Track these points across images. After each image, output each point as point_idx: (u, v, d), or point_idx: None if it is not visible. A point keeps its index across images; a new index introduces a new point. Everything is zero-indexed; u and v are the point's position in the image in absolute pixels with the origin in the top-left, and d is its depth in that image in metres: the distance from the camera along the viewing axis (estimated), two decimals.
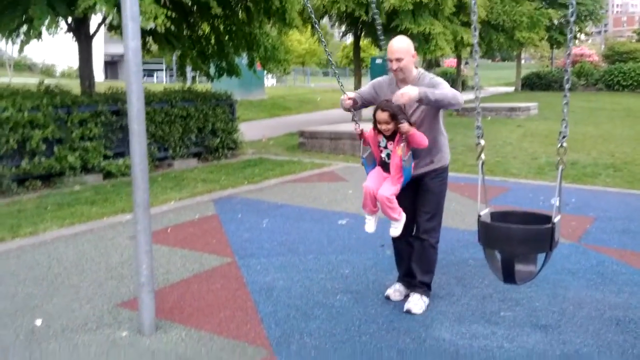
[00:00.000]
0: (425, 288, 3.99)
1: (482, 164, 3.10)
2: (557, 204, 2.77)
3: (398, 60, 3.71)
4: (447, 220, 5.86)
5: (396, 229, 3.83)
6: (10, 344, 3.46)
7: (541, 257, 2.87)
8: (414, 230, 3.98)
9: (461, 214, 6.39)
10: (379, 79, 4.05)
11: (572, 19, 2.87)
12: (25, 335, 3.58)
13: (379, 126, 3.76)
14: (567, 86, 2.90)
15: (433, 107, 3.75)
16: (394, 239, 4.06)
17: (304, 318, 3.81)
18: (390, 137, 3.77)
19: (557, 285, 4.35)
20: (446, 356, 3.31)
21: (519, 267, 2.78)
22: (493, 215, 2.97)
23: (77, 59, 9.72)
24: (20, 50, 7.88)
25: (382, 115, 3.70)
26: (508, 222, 2.86)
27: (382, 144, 3.84)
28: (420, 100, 3.59)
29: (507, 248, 2.75)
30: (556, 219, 2.70)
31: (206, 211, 6.71)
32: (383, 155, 3.86)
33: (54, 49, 9.52)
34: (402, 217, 3.82)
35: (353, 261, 4.93)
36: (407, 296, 4.04)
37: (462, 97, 3.70)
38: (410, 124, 3.69)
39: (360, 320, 3.77)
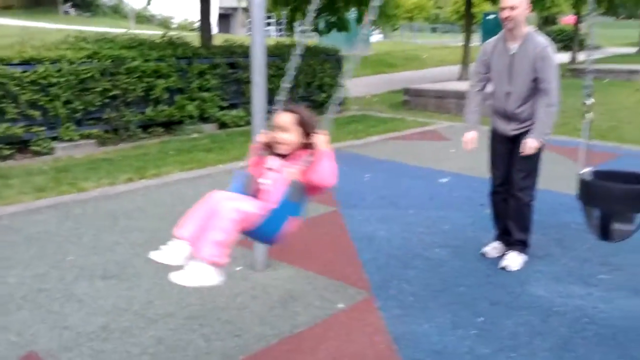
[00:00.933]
0: (522, 245, 4.09)
1: (589, 123, 3.12)
2: None
3: (512, 8, 3.68)
4: (551, 183, 5.84)
5: (185, 277, 2.46)
6: (143, 271, 3.94)
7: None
8: (510, 188, 4.02)
9: (567, 178, 6.24)
10: (482, 48, 4.08)
11: None
12: (154, 264, 4.02)
13: (277, 135, 2.63)
14: None
15: (534, 81, 3.79)
16: (491, 199, 4.16)
17: (403, 267, 4.04)
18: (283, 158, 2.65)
19: None
20: (540, 311, 3.42)
21: (616, 226, 2.84)
22: (597, 174, 3.01)
23: (196, 12, 10.21)
24: (148, 3, 8.43)
25: (286, 119, 2.62)
26: (613, 181, 2.90)
27: (273, 164, 2.66)
28: (543, 144, 3.79)
29: (604, 205, 2.82)
30: None
31: None
32: (264, 179, 2.66)
33: (171, 2, 10.12)
34: (220, 276, 2.48)
35: (452, 218, 5.07)
36: (504, 254, 4.15)
37: (558, 100, 3.78)
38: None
39: (458, 273, 3.94)
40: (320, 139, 2.58)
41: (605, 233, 2.85)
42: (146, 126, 8.41)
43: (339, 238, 4.56)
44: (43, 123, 7.31)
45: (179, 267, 2.49)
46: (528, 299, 3.59)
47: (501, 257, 4.13)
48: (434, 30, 54.06)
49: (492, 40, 4.02)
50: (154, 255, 2.53)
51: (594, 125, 3.42)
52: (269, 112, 3.17)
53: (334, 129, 8.97)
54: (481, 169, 6.68)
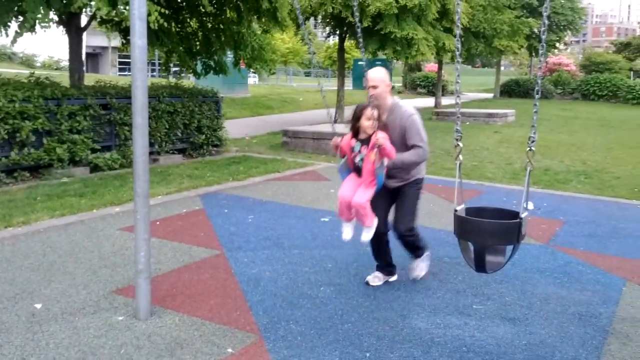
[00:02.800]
0: (421, 252, 4.59)
1: (460, 164, 3.38)
2: (525, 202, 3.06)
3: (373, 87, 4.18)
4: (424, 220, 6.16)
5: (368, 234, 4.11)
6: (13, 325, 3.65)
7: (509, 249, 3.16)
8: (395, 233, 4.38)
9: (438, 215, 6.70)
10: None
11: (543, 37, 3.15)
12: (26, 318, 3.77)
13: (364, 123, 3.96)
14: (537, 96, 3.21)
15: (405, 145, 4.21)
16: (372, 240, 4.34)
17: (290, 307, 4.06)
18: (364, 142, 4.00)
19: (526, 282, 4.66)
20: (422, 343, 3.58)
21: (490, 258, 3.07)
22: (468, 210, 3.26)
23: (62, 50, 9.81)
24: (14, 42, 8.00)
25: (371, 112, 3.95)
26: (481, 217, 3.14)
27: (357, 147, 4.03)
28: (394, 166, 4.15)
29: (479, 240, 3.05)
30: (523, 215, 2.99)
31: (193, 206, 6.93)
32: (357, 160, 4.05)
33: (34, 39, 9.65)
34: (374, 223, 4.08)
35: (335, 256, 5.19)
36: (386, 282, 4.53)
37: (426, 154, 4.22)
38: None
39: (343, 310, 4.03)
40: (381, 136, 3.91)
41: (480, 265, 3.07)
42: (11, 171, 7.87)
43: (225, 281, 4.51)
44: None
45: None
46: (410, 331, 3.74)
47: (383, 285, 4.51)
48: (307, 74, 55.70)
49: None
50: (344, 235, 4.20)
51: (462, 166, 3.68)
52: (150, 154, 3.20)
53: (214, 171, 8.95)
54: None
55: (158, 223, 6.05)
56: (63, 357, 3.28)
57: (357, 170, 4.08)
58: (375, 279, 4.53)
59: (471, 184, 8.62)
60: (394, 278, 4.61)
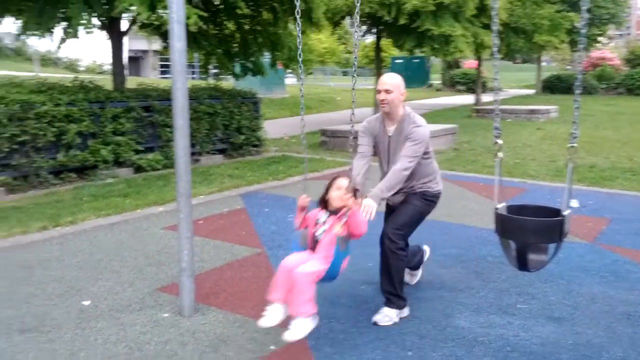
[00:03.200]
0: (393, 301, 3.88)
1: (500, 161, 3.33)
2: (567, 199, 3.00)
3: (387, 91, 3.80)
4: (466, 219, 6.10)
5: (297, 332, 3.11)
6: (63, 321, 3.76)
7: (552, 247, 3.10)
8: (380, 239, 3.95)
9: (479, 213, 6.61)
10: (367, 123, 4.09)
11: (583, 31, 3.09)
12: (75, 314, 3.88)
13: (334, 193, 3.43)
14: (577, 92, 3.15)
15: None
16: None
17: (331, 305, 4.07)
18: (333, 213, 3.42)
19: (572, 281, 4.57)
20: (465, 342, 3.55)
21: (532, 256, 3.02)
22: (509, 208, 3.21)
23: (105, 54, 10.05)
24: (59, 47, 8.23)
25: (344, 182, 3.46)
26: (522, 215, 3.10)
27: (322, 218, 3.43)
28: (383, 199, 3.77)
29: (520, 238, 3.00)
30: (566, 212, 2.94)
31: (234, 205, 7.01)
32: (318, 232, 3.37)
33: (78, 44, 9.91)
34: (313, 320, 3.18)
35: (375, 255, 5.10)
36: (428, 282, 4.46)
37: (408, 171, 3.75)
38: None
39: None
40: (357, 201, 3.44)
41: (522, 264, 3.03)
42: (58, 172, 8.09)
43: (267, 279, 4.53)
44: None
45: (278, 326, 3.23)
46: (453, 331, 3.71)
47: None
48: (344, 73, 55.64)
49: (372, 119, 4.06)
50: (262, 322, 3.19)
51: (502, 163, 3.64)
52: (191, 155, 3.28)
53: (254, 171, 9.03)
54: None
55: (201, 222, 6.14)
56: (111, 352, 3.37)
57: (313, 244, 3.38)
58: (411, 277, 4.48)
59: (514, 181, 8.48)
60: (419, 273, 4.53)
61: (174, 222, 5.49)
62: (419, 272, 4.54)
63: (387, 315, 3.83)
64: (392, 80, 3.85)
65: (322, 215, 3.45)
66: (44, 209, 6.56)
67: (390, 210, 4.09)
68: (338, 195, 3.43)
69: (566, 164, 3.18)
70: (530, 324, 3.81)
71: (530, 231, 3.02)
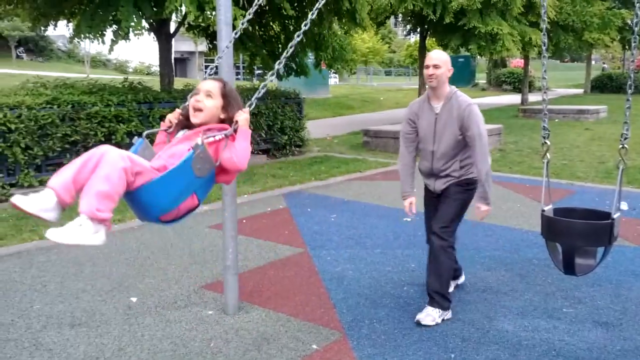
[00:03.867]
0: (438, 300, 3.85)
1: (547, 163, 3.28)
2: (617, 202, 2.93)
3: (435, 67, 3.78)
4: (511, 221, 6.00)
5: (70, 235, 2.09)
6: (112, 317, 3.88)
7: (601, 251, 3.03)
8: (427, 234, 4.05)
9: (526, 215, 6.50)
10: (409, 107, 4.11)
11: (636, 29, 3.00)
12: (123, 310, 4.00)
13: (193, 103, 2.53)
14: (630, 91, 3.07)
15: (460, 139, 3.85)
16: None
17: (374, 306, 4.08)
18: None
19: (620, 286, 4.45)
20: (509, 346, 3.50)
21: (579, 260, 2.96)
22: (556, 210, 3.15)
23: (152, 56, 10.29)
24: (111, 49, 8.47)
25: (208, 84, 2.57)
26: (570, 217, 3.03)
27: (180, 135, 2.58)
28: (489, 204, 3.84)
29: (567, 241, 2.94)
30: (616, 215, 2.87)
31: (277, 204, 7.08)
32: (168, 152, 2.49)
33: (127, 46, 10.15)
34: (103, 228, 2.13)
35: (419, 256, 5.15)
36: (468, 284, 4.38)
37: (487, 147, 3.84)
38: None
39: None
40: (242, 116, 2.48)
41: (569, 267, 2.97)
42: None
43: (309, 279, 4.59)
44: (1, 169, 7.18)
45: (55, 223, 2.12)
46: (496, 334, 3.67)
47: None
48: (388, 73, 55.40)
49: (417, 100, 4.08)
50: (15, 199, 2.03)
51: (550, 164, 3.58)
52: None
53: (297, 171, 9.09)
54: None
55: (244, 221, 6.23)
56: (157, 348, 3.45)
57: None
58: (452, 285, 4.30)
59: (561, 183, 8.30)
60: (461, 280, 4.45)
61: (218, 220, 5.58)
62: (460, 280, 4.47)
63: (430, 315, 3.80)
64: (440, 56, 3.85)
65: (183, 132, 2.58)
66: None
67: (431, 196, 4.07)
68: (202, 103, 2.52)
69: (616, 165, 3.10)
70: (576, 328, 3.74)
71: (578, 234, 2.96)
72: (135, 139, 2.48)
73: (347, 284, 4.49)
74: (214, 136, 2.42)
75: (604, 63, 42.00)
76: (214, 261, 4.95)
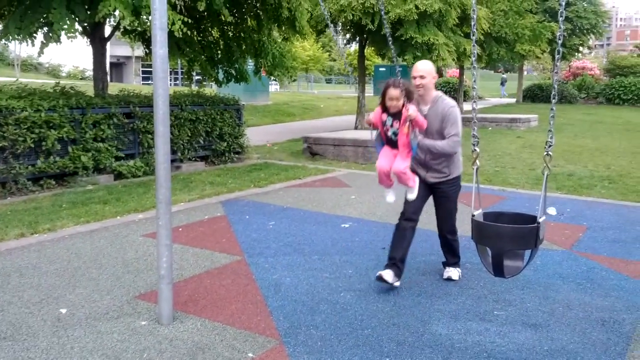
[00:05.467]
0: (457, 264, 4.88)
1: (477, 169, 3.39)
2: (542, 206, 3.05)
3: (422, 77, 4.40)
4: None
5: (412, 194, 4.39)
6: (39, 329, 3.73)
7: (528, 253, 3.14)
8: (438, 230, 4.84)
9: (458, 221, 6.64)
10: None
11: (559, 41, 3.15)
12: (52, 322, 3.85)
13: (388, 102, 4.13)
14: (553, 101, 3.21)
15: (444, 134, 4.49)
16: (400, 225, 4.60)
17: (310, 312, 4.08)
18: (395, 116, 4.15)
19: (548, 288, 4.62)
20: (442, 349, 3.57)
21: (507, 262, 3.06)
22: (486, 215, 3.25)
23: (87, 60, 10.02)
24: (40, 52, 8.18)
25: (394, 92, 4.09)
26: (499, 222, 3.14)
27: (388, 122, 4.20)
28: (421, 143, 4.41)
29: (496, 244, 3.04)
30: (541, 219, 2.98)
31: (215, 212, 7.00)
32: (389, 133, 4.22)
33: (59, 49, 9.84)
34: (416, 182, 4.36)
35: (356, 262, 5.20)
36: (403, 287, 4.57)
37: (458, 146, 4.55)
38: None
39: (363, 316, 4.04)
40: (412, 109, 4.05)
41: (498, 270, 3.06)
42: (37, 179, 8.02)
43: (246, 287, 4.55)
44: None
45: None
46: (430, 337, 3.73)
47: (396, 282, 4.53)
48: (328, 81, 55.79)
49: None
50: (388, 196, 4.44)
51: (482, 171, 3.69)
52: (172, 162, 3.19)
53: (236, 178, 9.02)
54: (381, 214, 6.95)
55: (180, 229, 6.13)
56: None
57: (390, 143, 4.27)
58: (389, 275, 4.43)
59: (494, 189, 8.55)
60: (397, 284, 4.53)
61: (153, 229, 5.48)
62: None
63: (456, 270, 4.82)
64: (425, 67, 4.45)
65: (387, 118, 4.20)
66: (22, 216, 6.49)
67: (421, 182, 4.57)
68: (393, 104, 4.12)
69: (542, 172, 3.22)
70: (507, 330, 3.85)
71: (505, 238, 3.06)
72: (376, 142, 4.39)
73: (284, 291, 4.47)
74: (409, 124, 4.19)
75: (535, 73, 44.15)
76: (148, 270, 4.84)
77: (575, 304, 4.32)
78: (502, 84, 45.82)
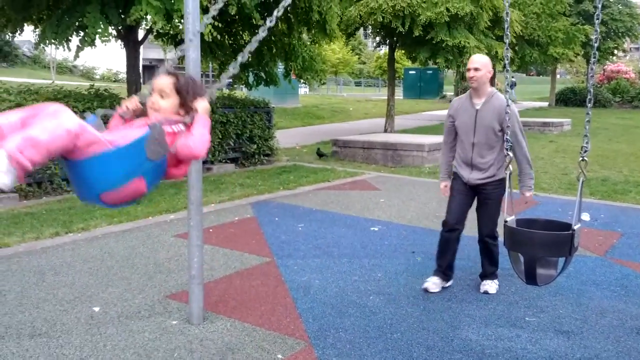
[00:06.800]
0: (494, 275, 4.63)
1: (510, 174, 3.35)
2: (578, 213, 3.00)
3: (476, 69, 4.26)
4: (472, 231, 6.06)
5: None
6: (73, 327, 3.80)
7: (561, 261, 3.09)
8: (478, 234, 4.59)
9: None
10: (451, 103, 4.65)
11: (595, 45, 3.10)
12: (85, 320, 3.92)
13: (149, 99, 2.41)
14: (589, 105, 3.15)
15: (498, 133, 4.28)
16: (444, 237, 4.54)
17: (339, 315, 4.08)
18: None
19: (582, 295, 4.54)
20: (472, 355, 3.54)
21: (540, 270, 3.02)
22: (519, 221, 3.21)
23: (120, 63, 10.19)
24: (76, 56, 8.35)
25: (161, 82, 2.41)
26: (532, 228, 3.09)
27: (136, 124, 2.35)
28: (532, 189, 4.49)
29: (529, 251, 3.00)
30: (576, 227, 2.93)
31: (245, 214, 7.05)
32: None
33: (94, 52, 10.01)
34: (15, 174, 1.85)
35: (385, 265, 5.18)
36: (444, 288, 4.56)
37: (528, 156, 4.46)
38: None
39: (392, 320, 4.02)
40: (202, 104, 2.39)
41: (531, 277, 3.02)
42: None
43: (275, 288, 4.57)
44: None
45: None
46: (461, 343, 3.70)
47: (441, 291, 4.53)
48: (357, 84, 55.73)
49: (459, 97, 4.60)
50: None
51: (514, 176, 3.65)
52: (203, 164, 3.17)
53: (265, 180, 9.08)
54: (410, 217, 6.91)
55: (211, 230, 6.18)
56: (119, 358, 3.39)
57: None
58: (434, 285, 4.52)
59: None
60: (449, 283, 4.64)
61: (184, 229, 5.54)
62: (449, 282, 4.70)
63: (494, 283, 4.56)
64: (480, 60, 4.32)
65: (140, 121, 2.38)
66: (57, 216, 6.63)
67: (461, 184, 4.47)
68: (158, 104, 2.38)
69: (577, 177, 3.17)
70: (538, 336, 3.80)
71: (539, 244, 3.02)
72: (87, 114, 2.23)
73: (314, 293, 4.48)
74: (171, 127, 2.27)
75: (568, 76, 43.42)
76: (179, 270, 4.90)
77: (608, 311, 4.24)
78: (511, 87, 44.95)
